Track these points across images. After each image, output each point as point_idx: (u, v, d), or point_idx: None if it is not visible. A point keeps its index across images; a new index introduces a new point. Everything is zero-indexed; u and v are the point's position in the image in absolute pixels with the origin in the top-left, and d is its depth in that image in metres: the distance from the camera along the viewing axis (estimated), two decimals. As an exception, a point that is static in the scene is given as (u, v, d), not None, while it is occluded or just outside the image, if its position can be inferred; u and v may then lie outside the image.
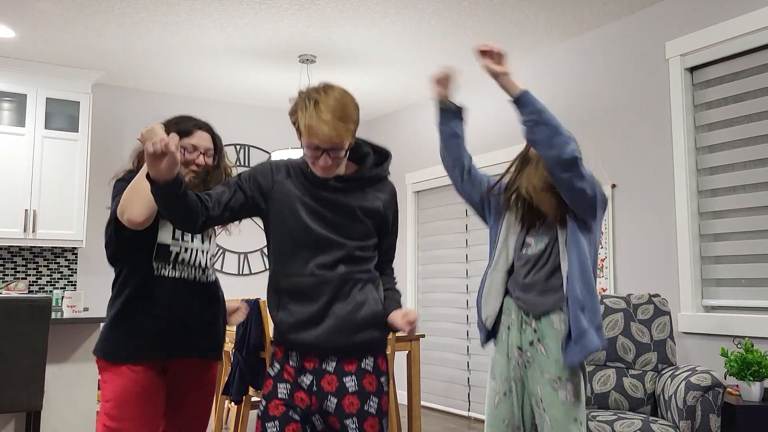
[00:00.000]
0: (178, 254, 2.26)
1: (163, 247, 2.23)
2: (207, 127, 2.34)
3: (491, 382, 2.43)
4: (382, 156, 2.14)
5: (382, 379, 2.03)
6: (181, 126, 2.27)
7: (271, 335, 4.18)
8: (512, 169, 2.45)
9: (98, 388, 2.27)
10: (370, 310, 2.00)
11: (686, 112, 3.99)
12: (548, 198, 2.31)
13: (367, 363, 2.01)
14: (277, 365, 2.04)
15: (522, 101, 2.21)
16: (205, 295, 2.33)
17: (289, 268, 2.01)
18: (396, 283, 2.18)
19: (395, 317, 2.00)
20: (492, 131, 5.48)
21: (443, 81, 2.44)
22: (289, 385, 2.00)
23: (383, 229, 2.12)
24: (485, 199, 2.51)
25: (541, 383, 2.28)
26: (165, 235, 2.24)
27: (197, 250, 2.31)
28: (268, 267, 2.24)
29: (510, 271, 2.44)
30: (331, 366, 1.99)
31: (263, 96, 6.29)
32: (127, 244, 2.21)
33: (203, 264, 2.33)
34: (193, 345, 2.29)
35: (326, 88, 1.94)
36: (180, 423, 2.33)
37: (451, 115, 2.48)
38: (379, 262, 2.14)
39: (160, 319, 2.21)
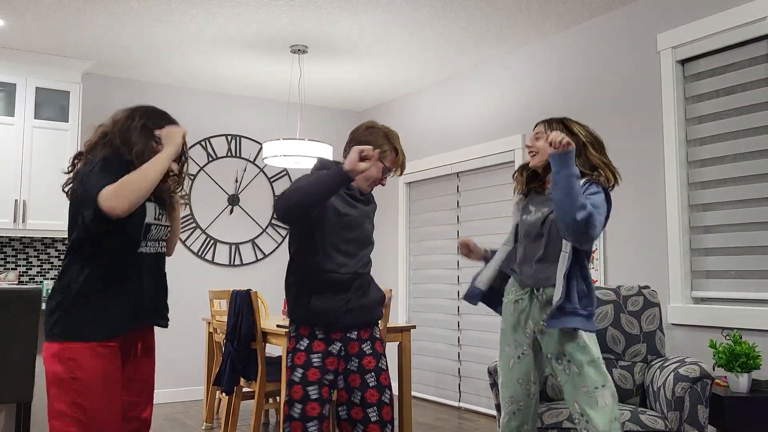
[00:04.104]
0: (153, 231, 2.34)
1: (147, 226, 2.31)
2: (175, 123, 2.37)
3: (506, 349, 2.70)
4: None
5: (383, 343, 2.67)
6: (156, 120, 2.32)
7: (262, 324, 4.19)
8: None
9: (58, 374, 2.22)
10: (378, 296, 2.66)
11: (677, 105, 4.00)
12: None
13: (375, 331, 2.65)
14: (306, 340, 2.54)
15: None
16: (162, 265, 2.43)
17: (327, 265, 2.54)
18: None
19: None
20: (488, 122, 5.48)
21: (472, 250, 2.75)
22: (320, 354, 2.52)
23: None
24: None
25: (560, 339, 2.51)
26: (150, 216, 2.31)
27: (164, 227, 2.40)
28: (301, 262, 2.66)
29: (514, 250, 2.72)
30: (353, 334, 2.58)
31: (255, 86, 6.26)
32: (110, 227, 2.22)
33: (164, 236, 2.42)
34: (158, 313, 2.39)
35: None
36: (136, 389, 2.36)
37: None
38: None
39: (139, 292, 2.29)
